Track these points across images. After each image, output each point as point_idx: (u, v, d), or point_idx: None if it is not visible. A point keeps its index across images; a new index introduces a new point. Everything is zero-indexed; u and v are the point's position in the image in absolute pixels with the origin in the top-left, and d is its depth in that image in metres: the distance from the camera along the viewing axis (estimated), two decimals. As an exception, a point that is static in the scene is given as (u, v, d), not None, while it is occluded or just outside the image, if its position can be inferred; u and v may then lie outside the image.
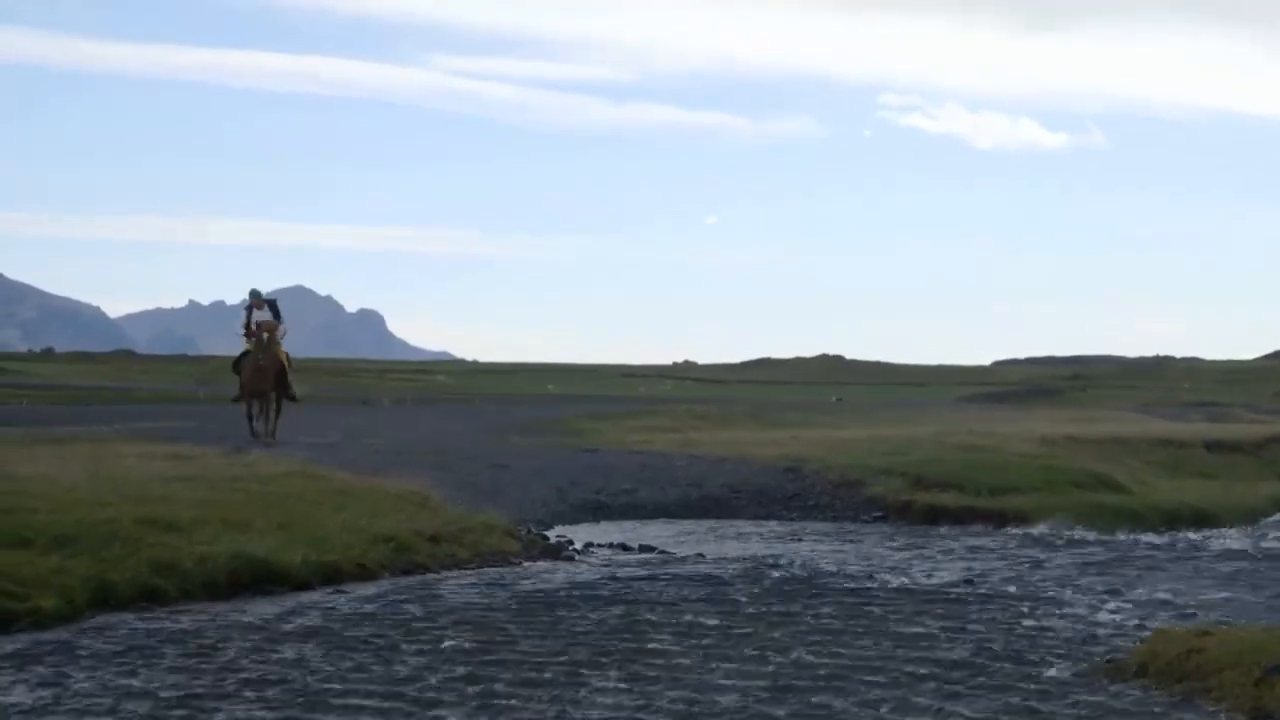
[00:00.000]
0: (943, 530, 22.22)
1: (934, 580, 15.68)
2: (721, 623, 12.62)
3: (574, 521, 21.29)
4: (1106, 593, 14.87)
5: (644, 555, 17.82)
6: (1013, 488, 25.58)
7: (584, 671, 10.53)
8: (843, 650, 11.47)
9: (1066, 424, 45.05)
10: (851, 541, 20.14)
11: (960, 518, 23.42)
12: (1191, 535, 22.93)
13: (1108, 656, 11.21)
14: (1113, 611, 13.69)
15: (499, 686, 10.04)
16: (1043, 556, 18.37)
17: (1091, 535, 21.80)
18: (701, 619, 12.79)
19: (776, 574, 15.92)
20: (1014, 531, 22.30)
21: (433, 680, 10.21)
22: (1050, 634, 12.35)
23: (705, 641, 11.74)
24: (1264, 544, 21.62)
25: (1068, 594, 14.77)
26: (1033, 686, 10.27)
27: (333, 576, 14.61)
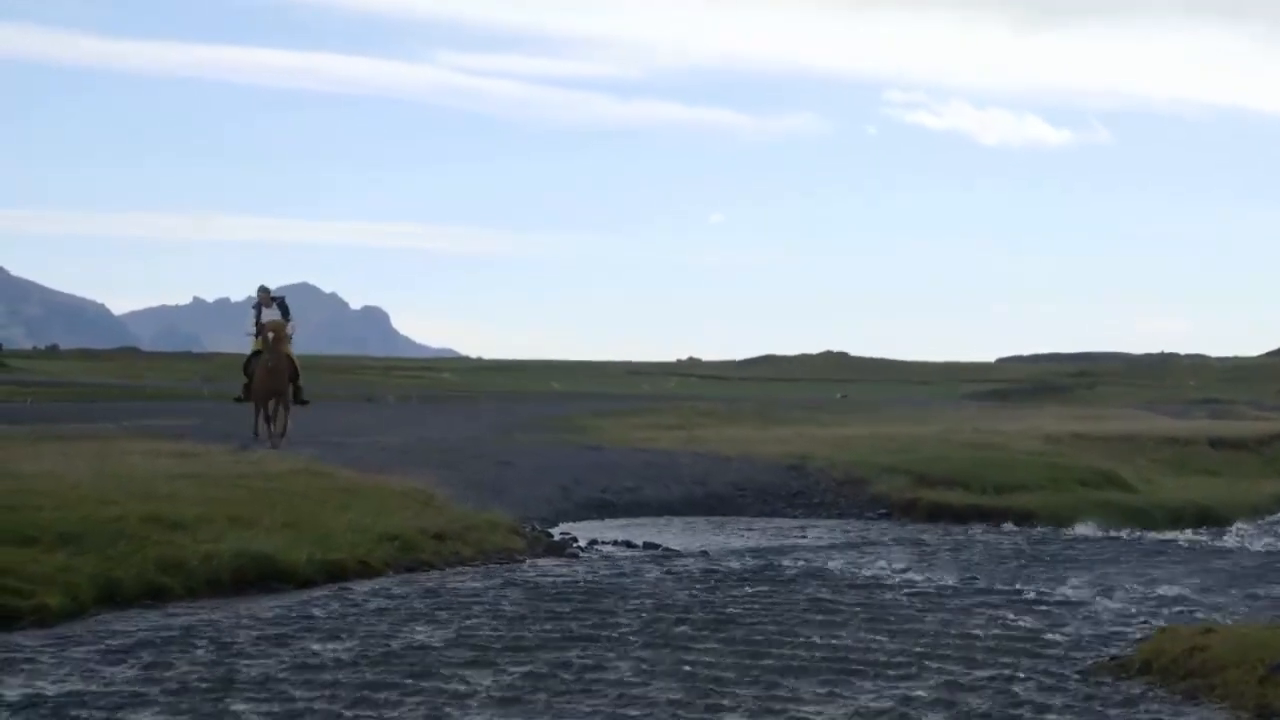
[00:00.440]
0: (947, 528, 22.22)
1: (938, 577, 15.68)
2: (722, 621, 12.62)
3: (579, 519, 21.30)
4: (1111, 590, 14.88)
5: (648, 552, 17.83)
6: (1018, 486, 25.59)
7: (572, 668, 10.56)
8: (844, 646, 11.47)
9: (1072, 421, 45.04)
10: (855, 539, 20.15)
11: (965, 516, 23.43)
12: (1196, 533, 22.94)
13: (1112, 654, 11.22)
14: (1117, 609, 13.69)
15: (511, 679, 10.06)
16: (1047, 554, 18.36)
17: (1097, 533, 21.81)
18: (702, 616, 12.79)
19: (779, 571, 15.92)
20: (1019, 529, 22.30)
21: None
22: (1055, 631, 12.35)
23: (705, 640, 11.75)
24: (1268, 541, 21.62)
25: (1072, 591, 14.77)
26: (1037, 683, 10.27)
27: (338, 574, 14.64)
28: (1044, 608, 13.67)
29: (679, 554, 17.65)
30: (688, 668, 10.63)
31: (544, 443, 31.10)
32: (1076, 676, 10.52)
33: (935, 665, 10.85)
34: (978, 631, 12.28)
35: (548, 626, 12.21)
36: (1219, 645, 10.36)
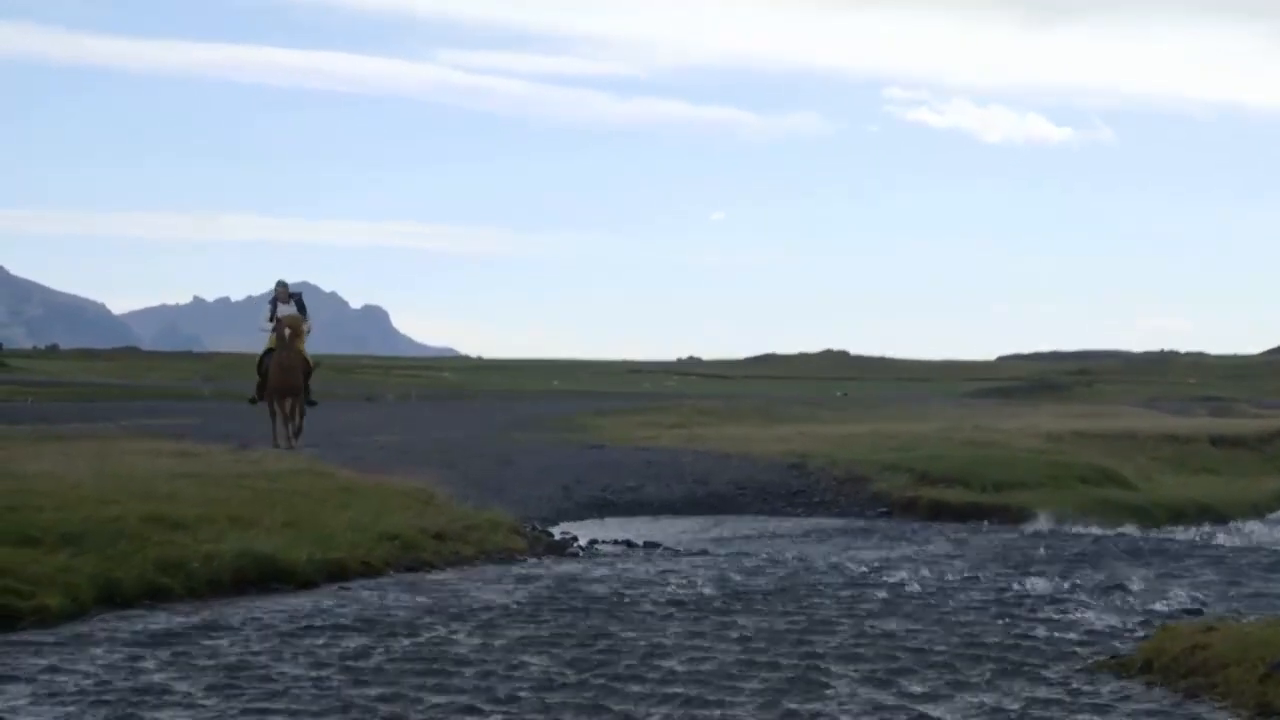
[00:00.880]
0: (948, 526, 22.21)
1: (937, 575, 15.67)
2: (722, 619, 12.62)
3: (579, 518, 21.30)
4: (1112, 588, 14.87)
5: (648, 552, 17.82)
6: (1018, 483, 25.58)
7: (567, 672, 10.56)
8: (841, 645, 11.47)
9: (1072, 419, 45.02)
10: (856, 537, 20.14)
11: (965, 513, 23.42)
12: (1196, 530, 22.92)
13: (1113, 652, 11.21)
14: (1118, 607, 13.69)
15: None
16: (1048, 552, 18.36)
17: (1097, 531, 21.80)
18: (702, 614, 12.79)
19: (779, 570, 15.92)
20: (1019, 527, 22.30)
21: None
22: (1055, 629, 12.34)
23: (702, 638, 11.74)
24: (1268, 539, 21.62)
25: (1073, 590, 14.76)
26: (1037, 682, 10.27)
27: (338, 574, 14.63)
28: (1043, 605, 13.66)
29: (680, 553, 17.65)
30: (692, 665, 10.62)
31: (545, 442, 31.10)
32: (1077, 675, 10.52)
33: (935, 663, 10.84)
34: (977, 629, 12.28)
35: (552, 623, 12.20)
36: (1220, 643, 10.35)
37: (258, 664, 10.58)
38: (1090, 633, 12.28)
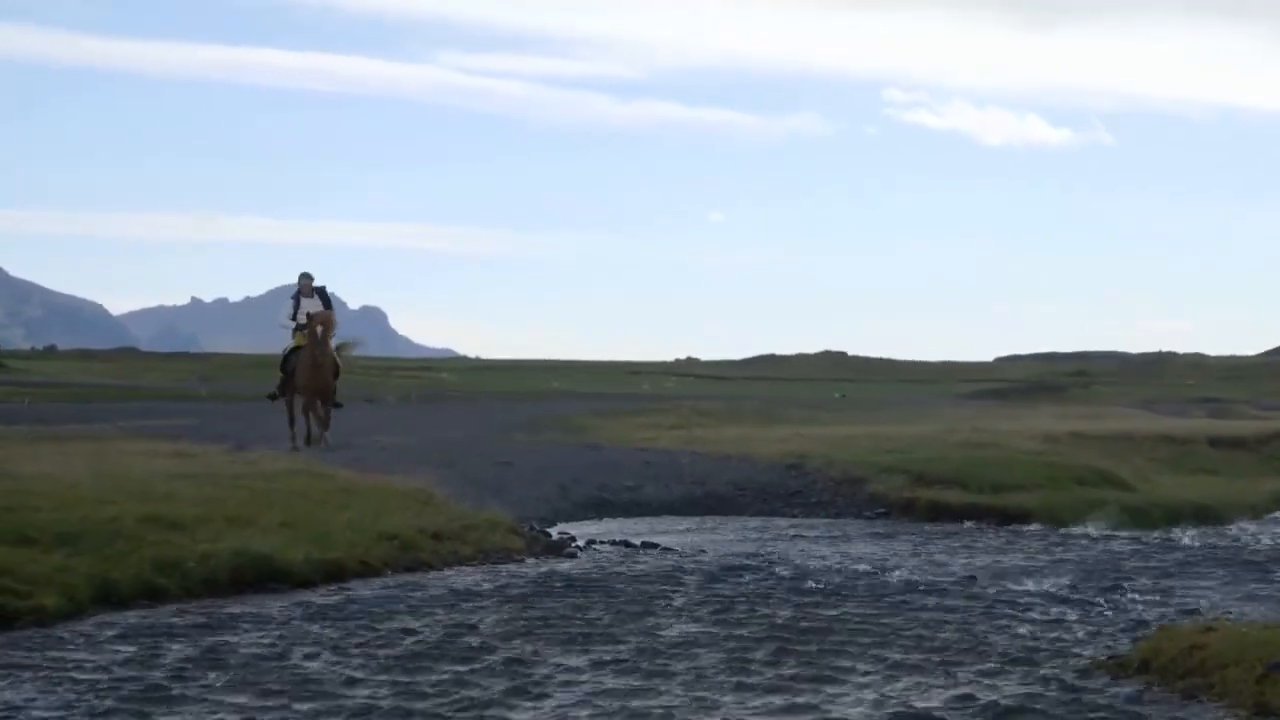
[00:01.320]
0: (945, 527, 22.22)
1: (934, 577, 15.68)
2: (719, 618, 12.62)
3: (577, 519, 21.30)
4: (1109, 589, 14.87)
5: (646, 552, 17.82)
6: (1016, 485, 25.56)
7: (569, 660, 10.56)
8: (837, 644, 11.47)
9: (1070, 420, 45.02)
10: (853, 538, 20.15)
11: (963, 515, 23.42)
12: (1194, 531, 22.92)
13: (1110, 652, 11.21)
14: (1115, 608, 13.69)
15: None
16: (1045, 553, 18.37)
17: (1094, 532, 21.80)
18: (699, 613, 12.79)
19: (776, 570, 15.91)
20: (1017, 529, 22.31)
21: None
22: (1052, 630, 12.35)
23: (698, 636, 11.74)
24: (1266, 540, 21.62)
25: (1070, 591, 14.77)
26: (1034, 681, 10.27)
27: (336, 574, 14.63)
28: (1041, 606, 13.67)
29: (677, 553, 17.65)
30: (693, 662, 10.63)
31: (543, 442, 31.09)
32: (1074, 675, 10.51)
33: (931, 661, 10.85)
34: (975, 630, 12.28)
35: (548, 620, 12.20)
36: (1218, 644, 10.35)
37: (255, 662, 10.57)
38: (1087, 633, 12.28)
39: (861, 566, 16.45)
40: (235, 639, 11.45)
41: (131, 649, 11.01)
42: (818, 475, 25.82)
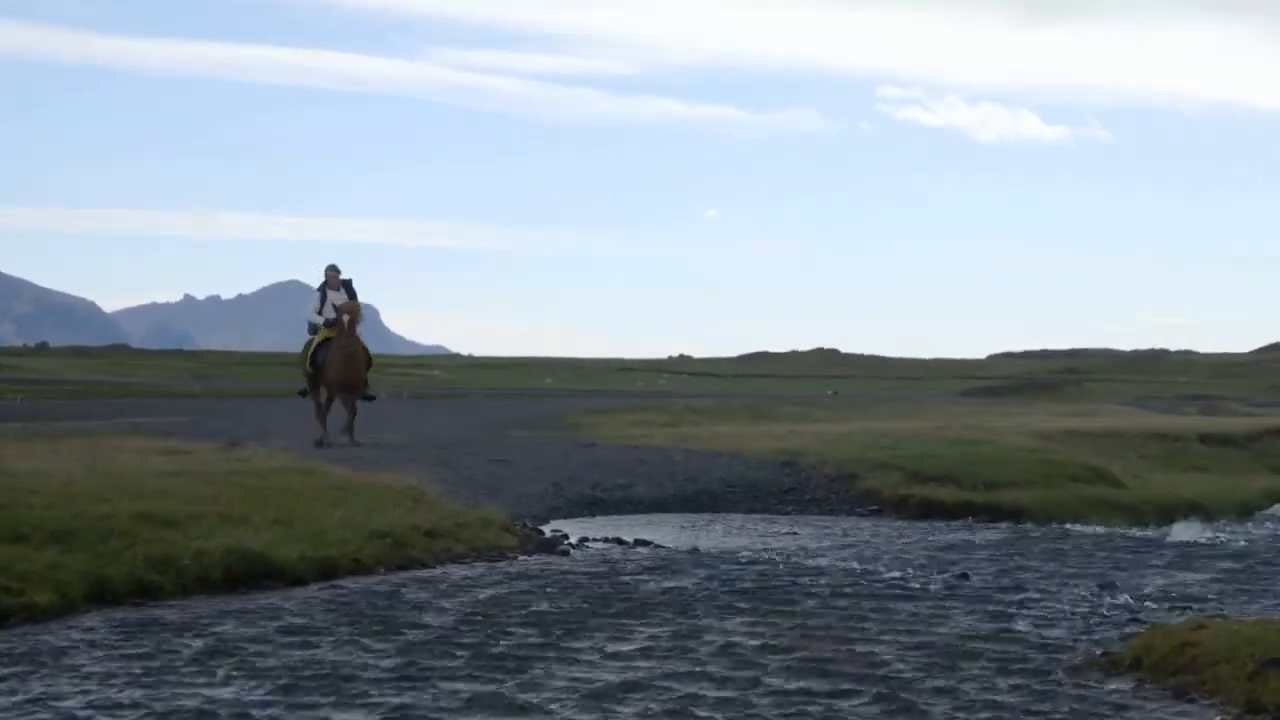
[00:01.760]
0: (938, 524, 22.26)
1: (926, 574, 15.70)
2: (710, 614, 12.63)
3: (570, 516, 21.31)
4: (1101, 586, 14.90)
5: (637, 549, 17.84)
6: (1009, 482, 25.65)
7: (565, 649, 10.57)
8: (829, 640, 11.48)
9: (1062, 418, 45.11)
10: (846, 535, 20.17)
11: (956, 512, 23.47)
12: (1186, 528, 22.97)
13: (1101, 650, 11.23)
14: (1107, 605, 13.71)
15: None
16: (1038, 550, 18.40)
17: (1087, 529, 21.85)
18: (691, 610, 12.80)
19: (768, 566, 15.94)
20: (1010, 525, 22.35)
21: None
22: (1044, 628, 12.36)
23: (693, 633, 11.76)
24: (1258, 537, 21.68)
25: (1062, 588, 14.79)
26: (1026, 678, 10.28)
27: (328, 571, 14.63)
28: (1033, 604, 13.69)
29: (669, 549, 17.66)
30: (684, 658, 10.65)
31: (537, 440, 31.12)
32: (1065, 673, 10.53)
33: (922, 659, 10.86)
34: (966, 628, 12.30)
35: (548, 616, 12.22)
36: (1209, 641, 10.37)
37: (251, 660, 10.58)
38: (1079, 630, 12.30)
39: (852, 564, 16.47)
40: (229, 635, 11.46)
41: (125, 646, 11.02)
42: (811, 472, 25.86)
